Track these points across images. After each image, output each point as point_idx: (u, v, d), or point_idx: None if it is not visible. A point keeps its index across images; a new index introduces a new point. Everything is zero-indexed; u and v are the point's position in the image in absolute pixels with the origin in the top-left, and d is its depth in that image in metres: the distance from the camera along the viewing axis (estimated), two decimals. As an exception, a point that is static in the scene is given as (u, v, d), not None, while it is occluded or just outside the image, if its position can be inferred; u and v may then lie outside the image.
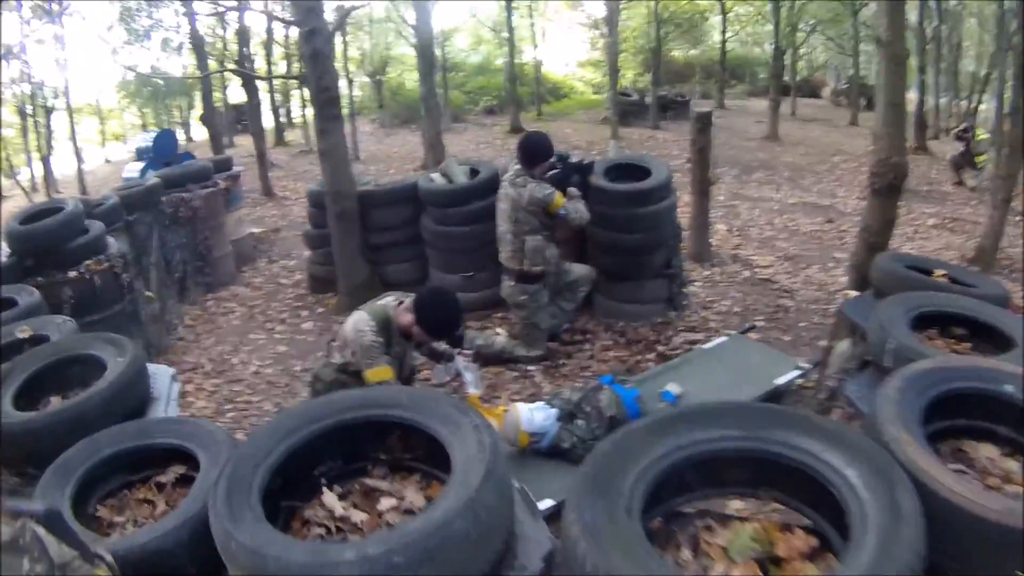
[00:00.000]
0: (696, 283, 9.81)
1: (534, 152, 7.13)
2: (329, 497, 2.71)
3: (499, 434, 5.53)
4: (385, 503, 2.66)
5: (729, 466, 2.67)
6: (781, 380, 6.68)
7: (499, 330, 8.33)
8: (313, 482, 2.83)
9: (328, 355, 5.77)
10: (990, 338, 4.28)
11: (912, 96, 24.29)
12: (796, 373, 6.80)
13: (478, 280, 8.83)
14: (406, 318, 5.37)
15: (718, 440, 2.63)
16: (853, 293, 5.64)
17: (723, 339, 7.56)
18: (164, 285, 10.26)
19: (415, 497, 2.71)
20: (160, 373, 5.01)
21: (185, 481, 3.29)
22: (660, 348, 7.96)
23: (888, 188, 6.15)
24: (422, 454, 2.83)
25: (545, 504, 5.16)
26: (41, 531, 1.84)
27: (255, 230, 14.40)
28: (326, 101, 9.23)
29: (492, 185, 8.31)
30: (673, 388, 6.41)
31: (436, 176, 9.20)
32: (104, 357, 4.50)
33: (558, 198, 7.05)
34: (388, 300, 5.61)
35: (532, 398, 6.89)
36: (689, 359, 7.21)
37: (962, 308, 4.43)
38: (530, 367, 7.57)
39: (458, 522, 2.26)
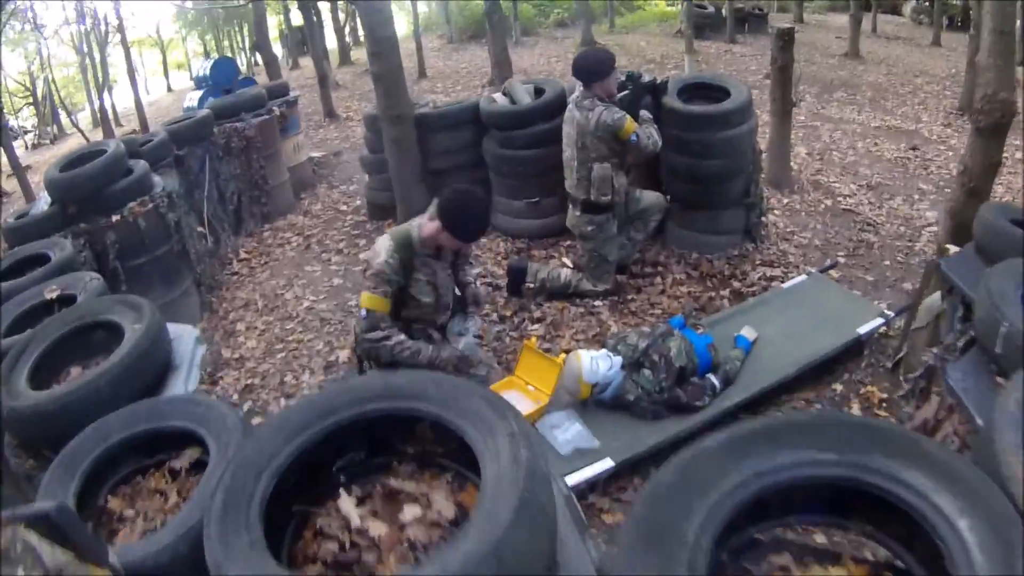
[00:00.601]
0: (775, 212, 9.29)
1: (589, 69, 6.56)
2: (346, 503, 2.30)
3: (559, 383, 5.19)
4: (409, 512, 2.23)
5: (817, 495, 2.17)
6: (864, 329, 6.29)
7: (565, 260, 7.91)
8: (330, 479, 2.43)
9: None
10: None
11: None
12: (879, 322, 6.41)
13: (544, 207, 8.37)
14: (430, 227, 4.95)
15: (807, 465, 2.12)
16: (952, 248, 5.06)
17: (803, 278, 7.20)
18: (218, 218, 10.04)
19: (443, 505, 2.28)
20: (184, 336, 4.71)
21: (200, 467, 2.99)
22: (736, 284, 7.53)
23: (994, 127, 5.53)
24: (455, 448, 2.36)
25: (603, 466, 4.89)
26: (33, 538, 1.63)
27: (315, 154, 14.03)
28: (378, 23, 8.62)
29: (558, 106, 7.80)
30: (748, 333, 6.03)
31: (498, 96, 8.63)
32: (123, 324, 4.26)
33: (628, 123, 6.47)
34: (415, 219, 5.16)
35: (597, 338, 6.52)
36: (766, 299, 6.85)
37: None
38: (596, 302, 7.13)
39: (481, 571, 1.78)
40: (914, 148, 13.23)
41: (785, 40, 9.61)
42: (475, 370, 5.26)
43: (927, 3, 35.04)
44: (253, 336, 7.64)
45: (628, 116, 6.50)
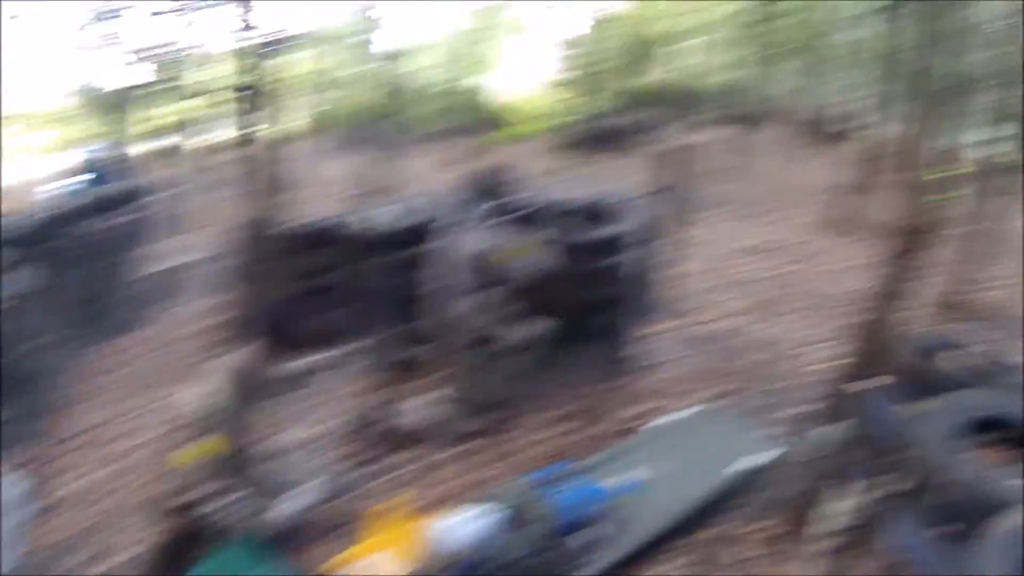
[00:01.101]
0: (653, 340, 8.84)
1: (485, 189, 6.25)
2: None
3: (426, 550, 4.72)
4: None
5: None
6: (756, 461, 6.03)
7: (441, 395, 7.28)
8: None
9: None
10: None
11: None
12: (772, 454, 6.15)
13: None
14: None
15: None
16: (873, 382, 4.79)
17: (684, 412, 6.92)
18: (56, 333, 9.07)
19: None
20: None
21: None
22: (614, 419, 7.21)
23: (912, 245, 5.30)
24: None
25: None
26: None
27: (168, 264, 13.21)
28: None
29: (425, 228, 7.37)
30: (632, 476, 5.67)
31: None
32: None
33: (510, 248, 6.23)
34: None
35: (472, 491, 6.02)
36: (648, 436, 6.53)
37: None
38: (466, 445, 6.66)
39: None
40: (796, 262, 13.33)
41: (680, 156, 9.62)
42: None
43: (813, 117, 36.16)
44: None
45: (510, 241, 6.21)
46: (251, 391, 4.40)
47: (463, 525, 4.69)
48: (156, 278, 11.36)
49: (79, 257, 9.54)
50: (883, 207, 17.78)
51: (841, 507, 4.98)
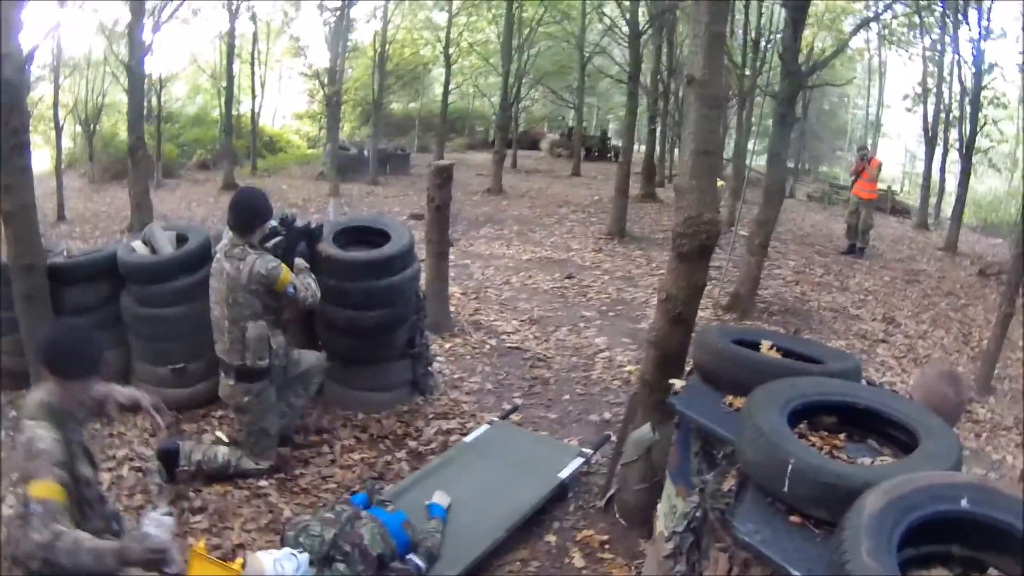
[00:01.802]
0: (439, 359, 8.81)
1: (251, 214, 5.81)
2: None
3: None
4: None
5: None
6: (565, 472, 5.99)
7: (220, 435, 6.86)
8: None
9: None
10: (863, 424, 3.56)
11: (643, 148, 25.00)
12: (579, 462, 6.17)
13: (191, 373, 7.30)
14: (52, 384, 3.85)
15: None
16: (677, 383, 4.69)
17: (484, 427, 6.79)
18: None
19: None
20: None
21: None
22: (411, 443, 6.94)
23: (699, 250, 5.23)
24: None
25: None
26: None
27: None
28: (14, 148, 7.13)
29: (203, 255, 7.09)
30: (440, 499, 5.46)
31: (138, 244, 7.60)
32: None
33: (285, 273, 5.78)
34: (38, 391, 3.97)
35: (271, 526, 5.63)
36: (451, 457, 6.30)
37: (843, 396, 3.61)
38: (262, 481, 6.20)
39: None
40: (569, 276, 13.34)
41: (443, 177, 9.15)
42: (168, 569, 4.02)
43: (565, 136, 37.14)
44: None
45: (284, 265, 5.81)
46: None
47: (282, 563, 4.31)
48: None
49: None
50: (652, 217, 18.67)
51: (659, 506, 4.91)
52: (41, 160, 19.36)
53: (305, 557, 4.40)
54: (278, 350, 5.99)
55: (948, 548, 2.48)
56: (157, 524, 3.81)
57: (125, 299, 7.40)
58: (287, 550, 4.43)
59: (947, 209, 24.38)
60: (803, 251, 17.07)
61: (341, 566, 4.48)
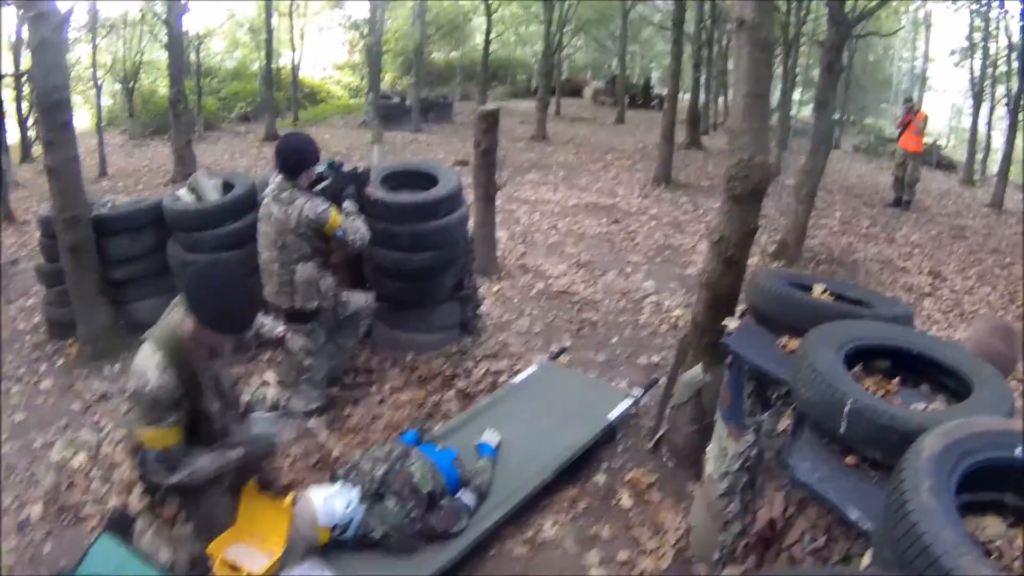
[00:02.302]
0: (487, 301, 8.79)
1: (298, 157, 5.78)
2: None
3: (292, 531, 4.28)
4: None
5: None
6: (614, 414, 5.91)
7: (268, 378, 6.96)
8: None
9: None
10: (918, 371, 3.50)
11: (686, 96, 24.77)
12: (628, 403, 6.07)
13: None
14: (189, 324, 3.92)
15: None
16: (731, 323, 4.64)
17: (533, 368, 6.72)
18: None
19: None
20: None
21: None
22: (460, 384, 6.92)
23: (751, 193, 5.14)
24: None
25: None
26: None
27: None
28: (54, 104, 7.32)
29: (249, 202, 7.14)
30: (490, 438, 5.45)
31: (183, 193, 7.67)
32: None
33: (334, 216, 5.77)
34: (173, 316, 4.09)
35: (319, 465, 5.67)
36: (499, 397, 6.28)
37: (897, 341, 3.56)
38: (310, 422, 6.23)
39: None
40: (616, 221, 13.26)
41: (489, 122, 9.11)
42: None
43: (608, 84, 36.80)
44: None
45: (333, 208, 5.79)
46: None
47: (332, 501, 4.33)
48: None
49: None
50: (698, 165, 18.51)
51: (709, 448, 4.87)
52: (81, 119, 19.39)
53: (355, 494, 4.42)
54: (327, 292, 6.00)
55: (1002, 496, 2.42)
56: (268, 423, 4.66)
57: (172, 247, 7.49)
58: (337, 486, 4.47)
59: (993, 166, 24.00)
60: (849, 202, 16.87)
61: (391, 503, 4.48)
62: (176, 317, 4.05)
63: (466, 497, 4.82)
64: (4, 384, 7.63)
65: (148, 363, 3.88)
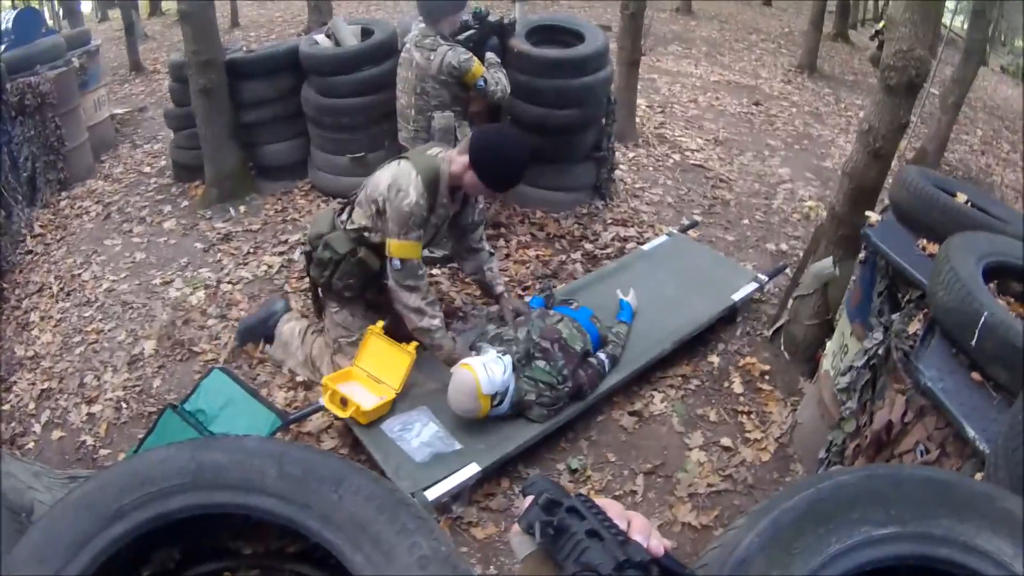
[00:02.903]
0: (622, 167, 8.63)
1: (440, 3, 5.72)
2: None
3: (452, 403, 4.28)
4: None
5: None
6: (738, 295, 5.82)
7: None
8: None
9: (347, 212, 4.79)
10: None
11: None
12: (753, 286, 5.97)
13: (370, 162, 7.20)
14: (459, 163, 4.42)
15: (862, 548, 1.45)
16: (873, 216, 4.49)
17: (663, 238, 6.64)
18: (10, 188, 8.53)
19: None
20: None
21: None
22: (587, 246, 6.91)
23: (907, 85, 4.90)
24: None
25: (468, 472, 4.20)
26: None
27: (118, 111, 12.27)
28: None
29: (388, 48, 7.05)
30: (632, 300, 5.46)
31: (321, 38, 7.63)
32: None
33: (476, 66, 5.69)
34: (436, 151, 4.59)
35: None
36: (627, 264, 6.22)
37: None
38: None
39: None
40: (757, 103, 12.85)
41: (634, -15, 8.74)
42: None
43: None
44: (48, 328, 6.51)
45: (475, 58, 5.71)
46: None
47: (491, 367, 4.29)
48: (100, 129, 10.64)
49: (12, 119, 8.76)
50: (844, 58, 17.85)
51: (828, 344, 4.77)
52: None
53: (509, 359, 4.41)
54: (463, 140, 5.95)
55: None
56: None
57: (306, 90, 7.47)
58: (493, 353, 4.45)
59: None
60: (992, 123, 16.02)
61: (541, 363, 4.50)
62: (445, 153, 4.50)
63: (604, 357, 4.83)
64: (127, 226, 7.88)
65: (409, 181, 4.34)
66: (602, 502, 1.05)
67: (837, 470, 1.62)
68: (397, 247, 4.40)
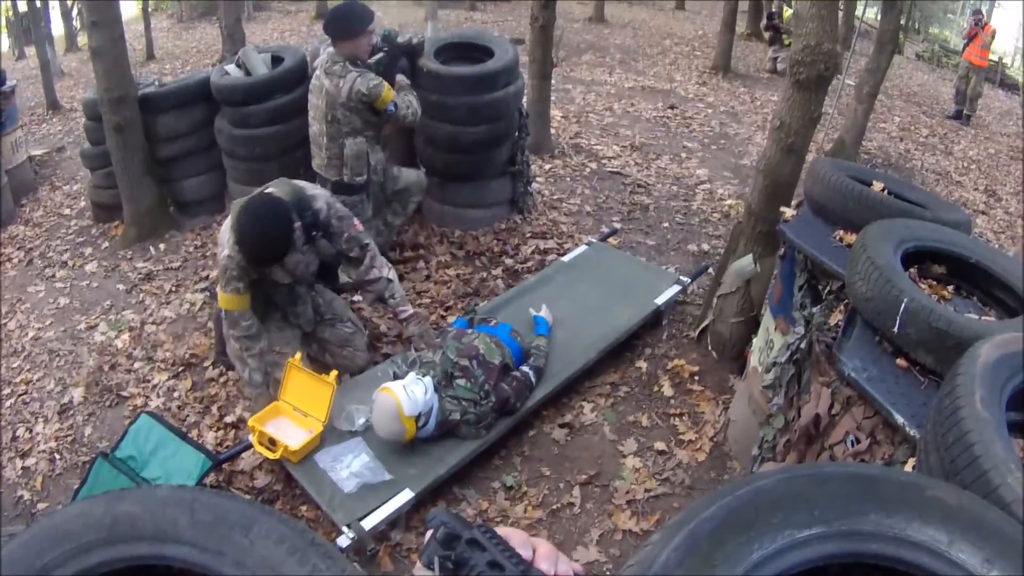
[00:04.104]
0: (539, 179, 8.71)
1: (350, 19, 5.67)
2: None
3: (377, 427, 4.27)
4: None
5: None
6: (661, 299, 5.88)
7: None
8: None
9: None
10: (970, 280, 3.48)
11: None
12: (676, 289, 6.03)
13: None
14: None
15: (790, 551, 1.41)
16: (787, 211, 4.54)
17: (583, 248, 6.68)
18: None
19: None
20: None
21: None
22: (508, 261, 6.93)
23: (817, 80, 4.96)
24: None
25: (403, 499, 4.19)
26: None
27: (36, 152, 12.03)
28: None
29: (299, 75, 6.99)
30: (546, 314, 5.44)
31: (232, 68, 7.53)
32: None
33: (386, 91, 5.64)
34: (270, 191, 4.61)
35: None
36: (548, 276, 6.24)
37: (956, 247, 3.48)
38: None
39: None
40: (672, 107, 12.94)
41: (547, -3, 8.78)
42: None
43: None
44: (-24, 380, 6.41)
45: (385, 83, 5.66)
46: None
47: (412, 389, 4.27)
48: (18, 171, 10.44)
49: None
50: (758, 56, 18.06)
51: (755, 340, 4.82)
52: (128, 7, 19.18)
53: (430, 380, 4.39)
54: (376, 166, 5.96)
55: None
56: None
57: (219, 122, 7.40)
58: (412, 376, 4.42)
59: None
60: (909, 109, 16.31)
61: (461, 381, 4.48)
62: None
63: (529, 371, 4.82)
64: (49, 271, 7.75)
65: (225, 235, 4.42)
66: (505, 531, 1.03)
67: (754, 475, 1.59)
68: (221, 298, 4.56)
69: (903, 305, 2.84)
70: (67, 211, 9.33)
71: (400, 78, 5.99)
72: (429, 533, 1.03)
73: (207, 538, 1.45)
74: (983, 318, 3.12)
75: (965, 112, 16.24)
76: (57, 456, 5.28)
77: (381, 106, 5.64)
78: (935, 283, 3.37)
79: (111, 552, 1.44)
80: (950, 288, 3.37)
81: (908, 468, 2.46)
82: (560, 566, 1.01)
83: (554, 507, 4.49)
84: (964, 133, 15.41)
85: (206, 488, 1.49)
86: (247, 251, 4.31)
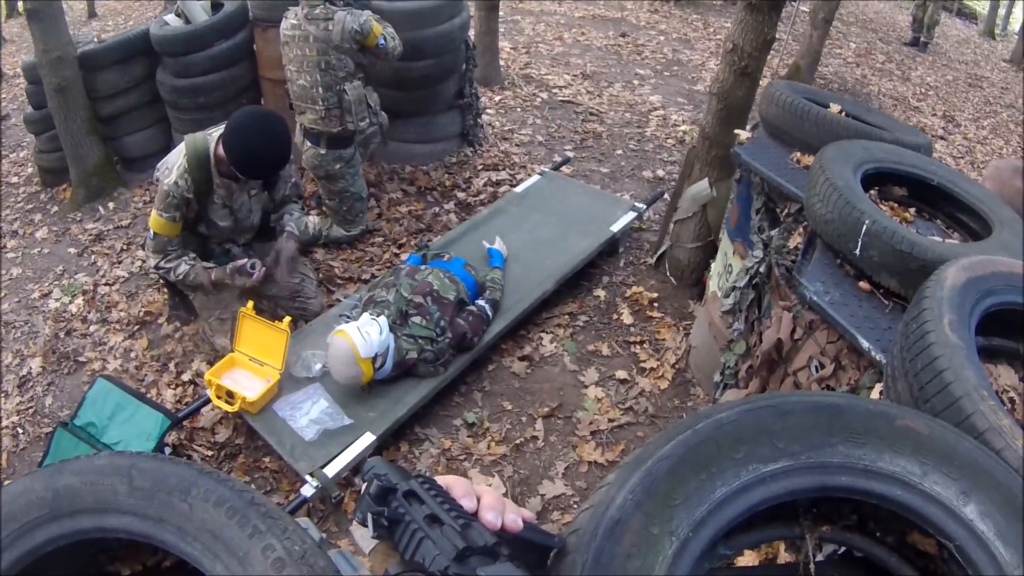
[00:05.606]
0: (489, 111, 8.61)
1: None
2: None
3: (333, 372, 4.21)
4: None
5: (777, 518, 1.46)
6: (616, 226, 5.85)
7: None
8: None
9: None
10: (932, 203, 3.40)
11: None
12: (631, 216, 6.00)
13: None
14: (220, 149, 4.31)
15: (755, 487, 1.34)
16: (742, 134, 4.49)
17: (536, 178, 6.64)
18: None
19: None
20: None
21: None
22: (460, 195, 6.89)
23: (771, 1, 4.89)
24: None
25: (364, 443, 4.16)
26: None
27: None
28: None
29: (240, 20, 6.84)
30: (500, 246, 5.42)
31: (171, 18, 7.34)
32: None
33: (375, 24, 5.45)
34: (212, 130, 4.47)
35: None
36: (501, 208, 6.20)
37: (918, 168, 3.38)
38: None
39: None
40: (623, 35, 12.81)
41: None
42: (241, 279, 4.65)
43: None
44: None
45: (372, 14, 5.47)
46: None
47: (366, 330, 4.21)
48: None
49: None
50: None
51: (713, 265, 4.79)
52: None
53: (384, 320, 4.33)
54: (375, 107, 5.81)
55: (1017, 346, 2.26)
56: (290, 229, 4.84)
57: (161, 74, 7.24)
58: (366, 316, 4.37)
59: (1015, 23, 23.06)
60: (865, 35, 16.28)
61: (417, 319, 4.44)
62: (216, 135, 4.36)
63: (485, 305, 4.80)
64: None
65: (173, 164, 4.35)
66: (446, 480, 0.98)
67: (713, 407, 1.52)
68: (154, 220, 4.43)
69: (864, 227, 2.78)
70: (15, 179, 9.13)
71: (368, 12, 5.68)
72: (364, 487, 0.97)
73: (147, 506, 1.39)
74: (947, 241, 3.06)
75: (922, 40, 16.22)
76: (20, 431, 5.19)
77: (372, 42, 5.44)
78: (896, 205, 3.31)
79: (56, 528, 1.40)
80: (912, 211, 3.31)
81: (875, 394, 2.41)
82: (507, 515, 0.96)
83: (517, 442, 4.48)
84: (921, 60, 15.41)
85: (143, 453, 1.44)
86: (248, 159, 4.22)
